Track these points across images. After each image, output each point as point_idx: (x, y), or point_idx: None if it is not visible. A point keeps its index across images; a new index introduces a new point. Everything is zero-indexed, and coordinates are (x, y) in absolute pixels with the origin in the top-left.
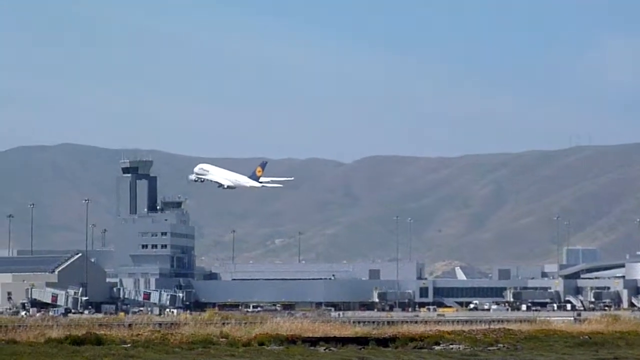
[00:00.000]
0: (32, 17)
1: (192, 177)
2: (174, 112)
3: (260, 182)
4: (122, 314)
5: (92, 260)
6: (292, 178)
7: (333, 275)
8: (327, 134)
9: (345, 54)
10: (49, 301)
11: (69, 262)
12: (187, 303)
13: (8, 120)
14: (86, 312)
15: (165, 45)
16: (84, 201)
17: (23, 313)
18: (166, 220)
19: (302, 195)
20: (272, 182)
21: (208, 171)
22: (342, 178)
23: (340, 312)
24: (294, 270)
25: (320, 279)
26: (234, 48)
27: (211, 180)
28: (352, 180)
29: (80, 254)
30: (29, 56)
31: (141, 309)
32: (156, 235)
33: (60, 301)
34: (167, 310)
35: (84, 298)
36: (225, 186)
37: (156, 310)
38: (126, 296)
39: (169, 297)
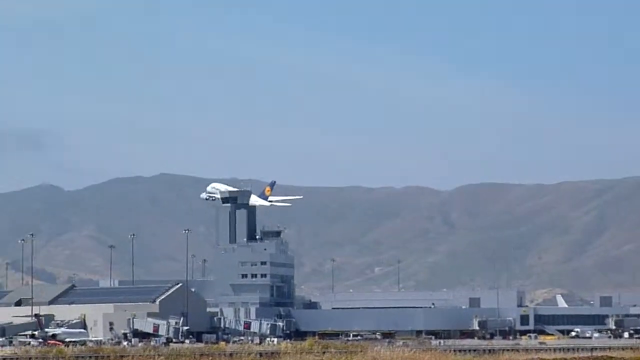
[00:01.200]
0: (135, 50)
1: (204, 195)
2: (271, 141)
3: (270, 201)
4: (222, 343)
5: (193, 290)
6: (301, 197)
7: (433, 304)
8: (425, 162)
9: (445, 82)
10: (151, 331)
11: (169, 292)
12: (287, 332)
13: (107, 153)
14: (187, 341)
15: (260, 73)
16: (183, 231)
17: (125, 343)
18: (265, 249)
19: (401, 224)
20: (281, 200)
21: (219, 190)
22: (440, 206)
23: (441, 341)
24: (393, 298)
25: (420, 307)
26: (334, 76)
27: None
28: (451, 208)
29: (180, 284)
30: (125, 88)
31: (241, 338)
32: (256, 265)
33: (162, 331)
34: (268, 339)
35: (185, 328)
36: None
37: (256, 340)
38: (227, 325)
39: (269, 326)
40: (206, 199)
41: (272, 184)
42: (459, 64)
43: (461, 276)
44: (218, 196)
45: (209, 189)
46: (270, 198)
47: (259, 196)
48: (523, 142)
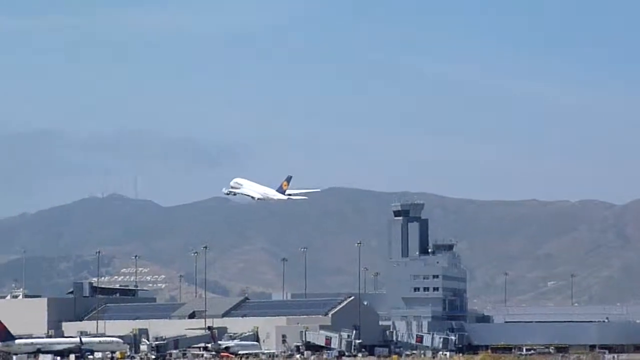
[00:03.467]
0: (318, 64)
1: (225, 190)
2: (444, 155)
3: (287, 195)
4: (394, 356)
5: (365, 303)
6: (319, 189)
7: (607, 318)
8: (598, 176)
9: (617, 95)
10: (323, 344)
11: (342, 305)
12: (460, 346)
13: (281, 165)
14: (359, 355)
15: (434, 87)
16: (355, 244)
17: (297, 356)
18: (438, 262)
19: (575, 237)
20: (298, 194)
21: (242, 185)
22: (614, 219)
23: (615, 355)
24: (567, 312)
25: (594, 321)
26: (509, 88)
27: (243, 194)
28: (625, 222)
29: (352, 297)
30: (304, 103)
31: (414, 351)
32: (428, 278)
33: (334, 344)
34: (440, 353)
35: (358, 341)
36: (256, 198)
37: (429, 353)
38: (399, 339)
39: (441, 340)
40: (227, 194)
41: (289, 179)
42: (632, 76)
43: (636, 290)
44: (240, 191)
45: (232, 183)
46: (287, 192)
47: (277, 190)
48: None
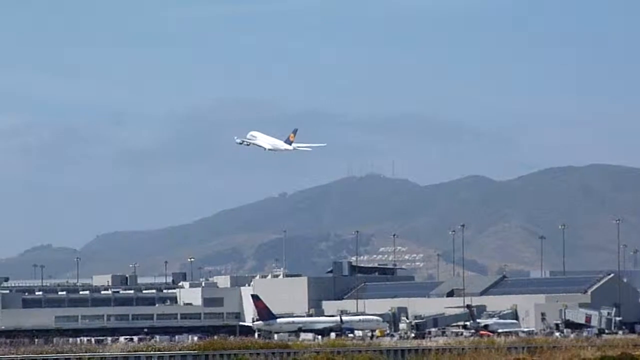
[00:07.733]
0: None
1: (238, 139)
2: None
3: (293, 146)
4: None
5: (624, 280)
6: (324, 144)
7: None
8: None
9: None
10: (583, 322)
11: (601, 282)
12: None
13: (538, 142)
14: (620, 332)
15: None
16: (614, 221)
17: (557, 334)
18: None
19: None
20: (303, 147)
21: (256, 137)
22: None
23: None
24: None
25: None
26: None
27: (256, 144)
28: None
29: (612, 275)
30: (552, 80)
31: None
32: None
33: (594, 322)
34: None
35: (618, 318)
36: (267, 149)
37: None
38: None
39: None
40: (239, 143)
41: (295, 131)
42: None
43: None
44: (253, 142)
45: (247, 136)
46: (293, 144)
47: (285, 141)
48: None
